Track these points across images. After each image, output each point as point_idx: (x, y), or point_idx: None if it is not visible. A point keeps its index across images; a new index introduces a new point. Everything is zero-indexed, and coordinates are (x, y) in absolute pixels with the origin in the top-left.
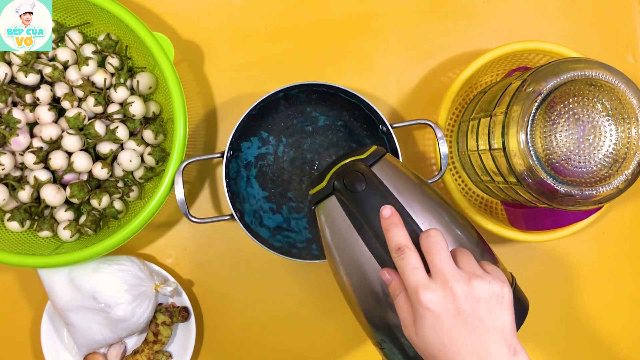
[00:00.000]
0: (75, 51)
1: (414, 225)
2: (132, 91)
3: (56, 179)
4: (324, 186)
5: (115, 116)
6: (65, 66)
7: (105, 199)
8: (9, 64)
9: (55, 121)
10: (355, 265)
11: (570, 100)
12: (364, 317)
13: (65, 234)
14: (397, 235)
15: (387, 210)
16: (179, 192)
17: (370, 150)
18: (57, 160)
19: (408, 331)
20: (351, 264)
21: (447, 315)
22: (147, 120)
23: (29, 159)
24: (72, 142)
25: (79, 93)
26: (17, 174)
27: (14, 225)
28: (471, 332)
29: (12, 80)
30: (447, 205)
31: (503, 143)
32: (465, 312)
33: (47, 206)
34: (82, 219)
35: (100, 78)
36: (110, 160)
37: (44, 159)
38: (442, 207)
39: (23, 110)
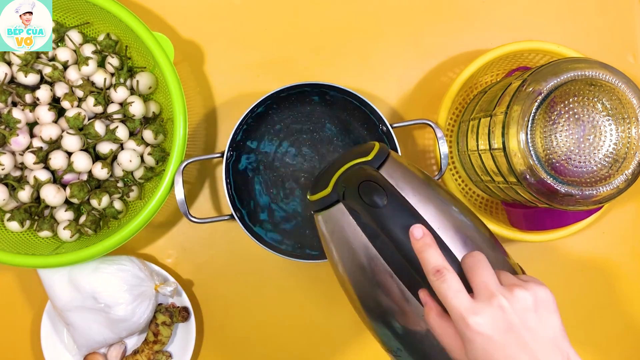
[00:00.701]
0: (75, 51)
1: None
2: (132, 91)
3: (56, 179)
4: (328, 192)
5: (115, 116)
6: (65, 66)
7: (105, 199)
8: (9, 64)
9: (55, 121)
10: (371, 280)
11: (571, 100)
12: (382, 329)
13: (65, 234)
14: (433, 258)
15: (418, 231)
16: (179, 192)
17: (375, 150)
18: (57, 160)
19: (457, 355)
20: (366, 278)
21: (499, 334)
22: (147, 120)
23: (29, 159)
24: (72, 142)
25: (79, 93)
26: (17, 174)
27: (14, 225)
28: (524, 346)
29: (12, 80)
30: (456, 201)
31: (503, 143)
32: (517, 326)
33: (47, 206)
34: (82, 219)
35: (100, 78)
36: (110, 160)
37: (44, 159)
38: (453, 205)
39: (23, 110)
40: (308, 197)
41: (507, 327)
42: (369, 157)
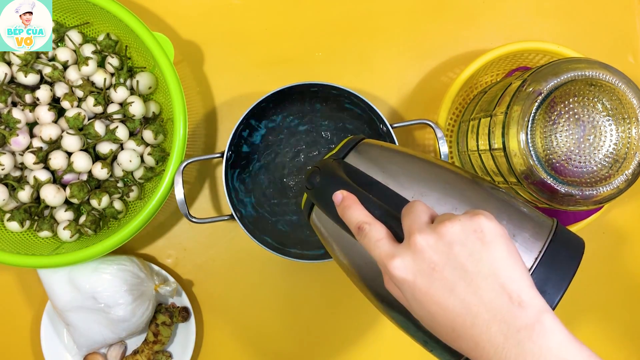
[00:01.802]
0: (75, 51)
1: (397, 200)
2: (132, 91)
3: (56, 179)
4: (306, 197)
5: (115, 116)
6: (65, 66)
7: (105, 199)
8: (9, 64)
9: (55, 121)
10: (369, 269)
11: (571, 100)
12: (404, 322)
13: (65, 234)
14: (353, 216)
15: (338, 196)
16: (179, 192)
17: (342, 143)
18: (57, 160)
19: (415, 315)
20: (365, 268)
21: (422, 278)
22: (147, 120)
23: (29, 159)
24: (72, 142)
25: (79, 93)
26: (17, 174)
27: (14, 226)
28: (453, 288)
29: (12, 80)
30: (446, 166)
31: (503, 143)
32: (440, 264)
33: (47, 206)
34: (82, 219)
35: (100, 78)
36: (110, 160)
37: (43, 159)
38: (440, 169)
39: (23, 110)
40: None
41: (429, 267)
42: (334, 151)
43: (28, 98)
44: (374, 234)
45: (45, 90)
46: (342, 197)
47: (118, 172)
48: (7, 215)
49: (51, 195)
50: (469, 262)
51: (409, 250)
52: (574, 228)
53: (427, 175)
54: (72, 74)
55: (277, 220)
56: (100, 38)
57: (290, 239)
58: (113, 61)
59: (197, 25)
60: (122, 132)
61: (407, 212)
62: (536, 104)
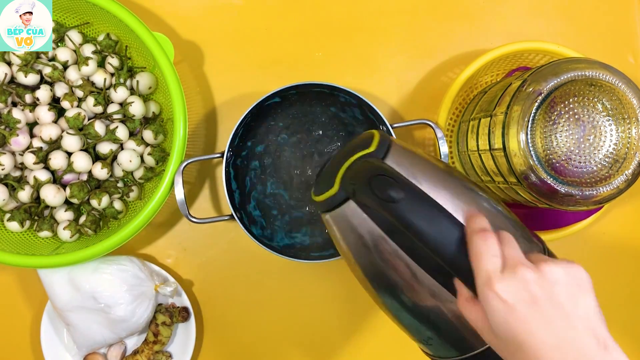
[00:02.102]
0: (75, 51)
1: (448, 216)
2: (132, 91)
3: (56, 179)
4: (336, 191)
5: (115, 116)
6: (65, 66)
7: (105, 199)
8: (9, 64)
9: (55, 121)
10: (394, 275)
11: (571, 100)
12: (413, 321)
13: (65, 234)
14: (480, 221)
15: (473, 217)
16: (179, 192)
17: (376, 140)
18: (57, 160)
19: (486, 336)
20: (388, 273)
21: (522, 306)
22: (147, 120)
23: (29, 159)
24: (72, 142)
25: (79, 93)
26: (17, 174)
27: (14, 226)
28: (550, 322)
29: (12, 80)
30: (471, 183)
31: (503, 143)
32: (541, 299)
33: (47, 206)
34: (82, 219)
35: (100, 78)
36: (110, 160)
37: (43, 159)
38: (470, 187)
39: (23, 110)
40: (313, 197)
41: (531, 299)
42: (372, 149)
43: (28, 98)
44: (493, 247)
45: (45, 90)
46: (472, 215)
47: (118, 172)
48: (7, 215)
49: (51, 195)
50: (568, 303)
51: (515, 277)
52: (574, 228)
53: (458, 191)
54: (72, 74)
55: (277, 220)
56: (100, 38)
57: (291, 238)
58: (113, 61)
59: (197, 25)
60: (122, 132)
61: (502, 238)
62: (536, 104)
